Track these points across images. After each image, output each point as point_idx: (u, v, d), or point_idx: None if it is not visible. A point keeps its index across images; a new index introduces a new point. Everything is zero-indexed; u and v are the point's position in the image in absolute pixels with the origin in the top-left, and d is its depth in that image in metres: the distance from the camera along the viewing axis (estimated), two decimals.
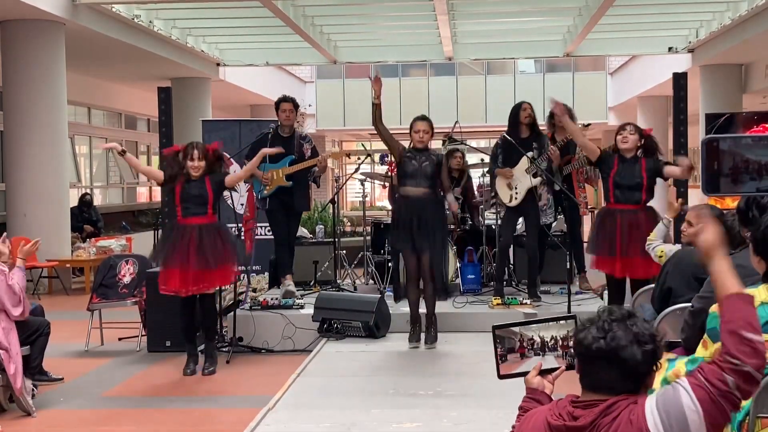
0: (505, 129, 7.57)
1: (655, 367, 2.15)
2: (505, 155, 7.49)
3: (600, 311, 2.22)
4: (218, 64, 15.10)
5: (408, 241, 6.47)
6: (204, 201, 6.25)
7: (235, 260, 6.42)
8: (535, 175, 7.40)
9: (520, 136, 7.42)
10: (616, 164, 6.25)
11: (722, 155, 3.37)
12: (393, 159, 6.85)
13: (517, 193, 7.43)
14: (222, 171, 6.52)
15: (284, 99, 7.85)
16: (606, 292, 7.11)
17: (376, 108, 6.57)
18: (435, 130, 6.74)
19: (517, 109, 7.53)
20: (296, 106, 7.90)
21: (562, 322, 2.57)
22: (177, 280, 6.14)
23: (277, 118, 7.84)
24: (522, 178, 7.40)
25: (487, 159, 9.02)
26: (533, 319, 2.80)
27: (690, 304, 3.67)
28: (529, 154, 7.34)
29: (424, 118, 6.69)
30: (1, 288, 5.16)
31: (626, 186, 6.20)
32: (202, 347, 6.59)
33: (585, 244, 7.43)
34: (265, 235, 8.61)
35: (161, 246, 6.45)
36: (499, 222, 7.90)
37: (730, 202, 8.39)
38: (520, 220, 7.92)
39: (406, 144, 6.67)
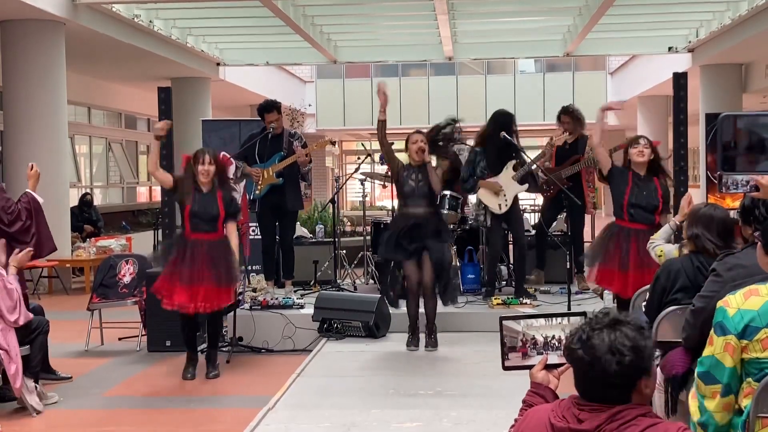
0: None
1: (638, 379, 2.09)
2: (488, 162, 7.51)
3: (591, 317, 2.19)
4: (218, 64, 15.09)
5: (407, 252, 6.47)
6: (215, 218, 6.08)
7: (238, 278, 6.35)
8: (521, 181, 7.47)
9: (497, 144, 7.45)
10: (631, 182, 6.03)
11: (739, 133, 3.33)
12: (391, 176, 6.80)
13: (506, 199, 7.48)
14: (227, 184, 6.34)
15: (266, 109, 7.75)
16: (605, 291, 7.09)
17: (382, 124, 6.58)
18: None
19: (511, 119, 7.53)
20: (280, 108, 7.86)
21: (566, 321, 2.55)
22: (184, 296, 5.97)
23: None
24: (510, 185, 7.47)
25: None
26: (542, 313, 2.78)
27: (691, 303, 3.66)
28: (513, 161, 7.46)
29: (419, 132, 6.67)
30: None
31: (642, 207, 6.01)
32: (201, 347, 6.58)
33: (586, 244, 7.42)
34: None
35: (164, 254, 6.22)
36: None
37: (730, 202, 8.39)
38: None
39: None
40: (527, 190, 7.85)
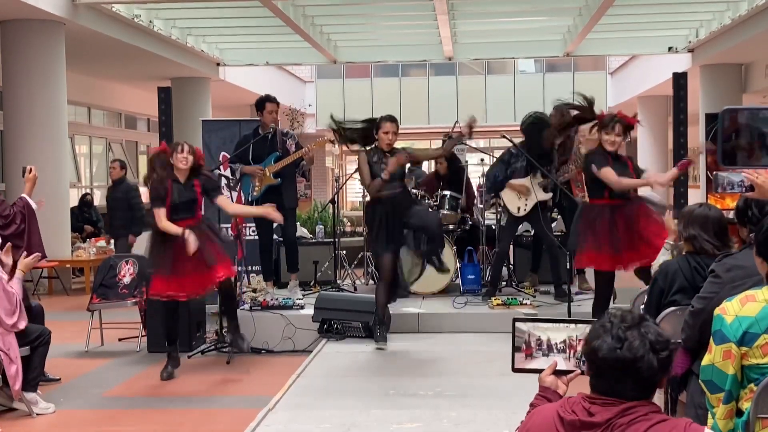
0: (504, 129, 7.57)
1: (668, 372, 2.15)
2: (521, 164, 7.47)
3: (611, 317, 2.20)
4: (218, 64, 15.10)
5: (387, 242, 6.45)
6: (193, 203, 6.16)
7: (228, 253, 6.28)
8: (546, 189, 7.42)
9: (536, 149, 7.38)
10: (610, 163, 6.04)
11: (740, 128, 3.31)
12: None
13: (526, 205, 7.43)
14: (203, 172, 6.35)
15: (268, 99, 7.80)
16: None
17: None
18: (435, 130, 6.74)
19: (543, 124, 7.50)
20: (278, 103, 7.90)
21: (573, 324, 2.54)
22: (174, 284, 6.01)
23: (259, 118, 7.83)
24: (534, 191, 7.41)
25: (487, 159, 9.01)
26: (557, 318, 2.76)
27: (690, 304, 3.66)
28: (545, 168, 7.31)
29: (391, 118, 6.57)
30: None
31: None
32: (202, 348, 6.57)
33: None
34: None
35: (155, 252, 6.21)
36: (501, 225, 7.89)
37: (730, 202, 8.39)
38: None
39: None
40: (552, 200, 7.68)
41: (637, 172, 6.17)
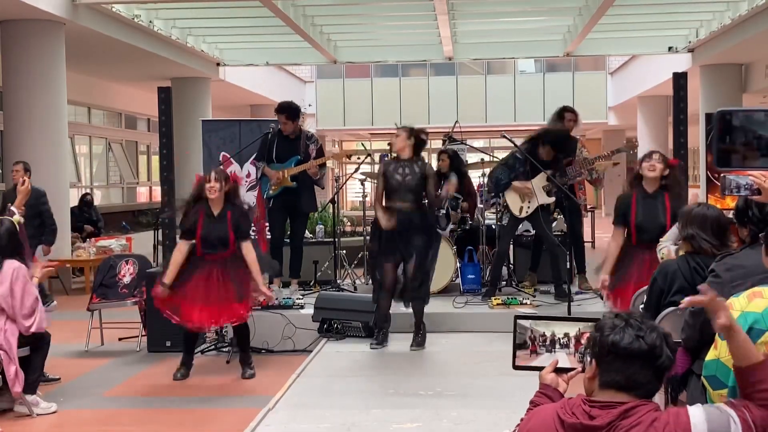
0: (505, 129, 7.57)
1: (673, 368, 2.25)
2: (525, 169, 7.45)
3: (619, 314, 2.26)
4: (218, 64, 15.10)
5: (391, 254, 6.46)
6: (225, 241, 6.02)
7: (251, 295, 6.14)
8: (549, 193, 7.41)
9: (538, 153, 7.37)
10: (635, 204, 5.75)
11: (734, 130, 3.30)
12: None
13: (529, 207, 7.42)
14: (238, 203, 6.22)
15: (278, 110, 7.77)
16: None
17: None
18: (435, 130, 6.73)
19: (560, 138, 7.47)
20: (292, 113, 7.79)
21: (576, 322, 2.54)
22: (201, 314, 5.96)
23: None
24: (537, 194, 7.41)
25: (486, 159, 9.01)
26: (559, 315, 2.78)
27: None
28: (548, 171, 7.29)
29: (403, 127, 6.64)
30: (19, 287, 5.15)
31: (648, 229, 5.70)
32: (202, 348, 6.56)
33: (587, 244, 7.35)
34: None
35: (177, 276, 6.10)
36: (501, 225, 7.89)
37: (730, 202, 8.38)
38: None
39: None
40: (556, 204, 7.67)
41: (674, 214, 6.00)
